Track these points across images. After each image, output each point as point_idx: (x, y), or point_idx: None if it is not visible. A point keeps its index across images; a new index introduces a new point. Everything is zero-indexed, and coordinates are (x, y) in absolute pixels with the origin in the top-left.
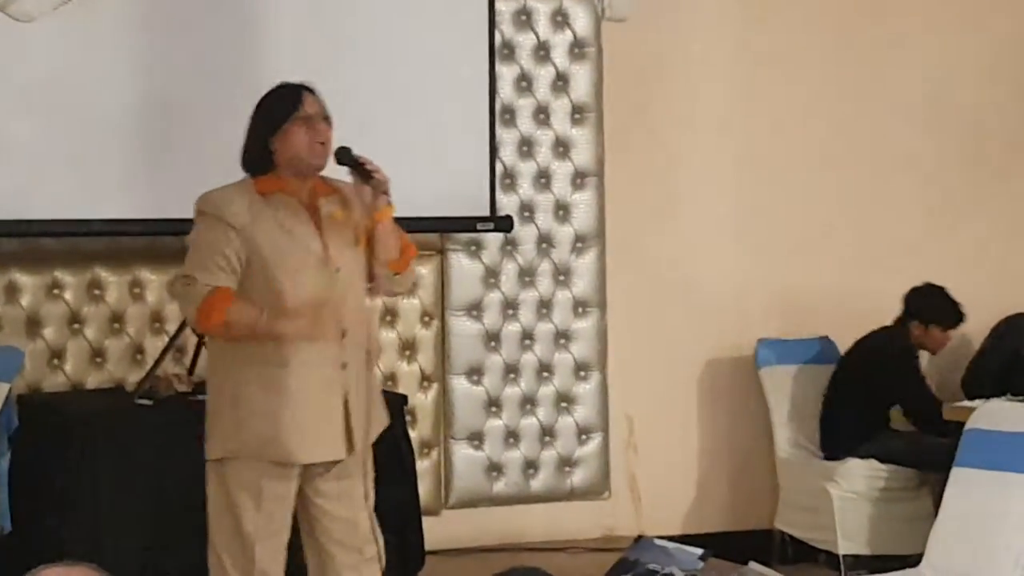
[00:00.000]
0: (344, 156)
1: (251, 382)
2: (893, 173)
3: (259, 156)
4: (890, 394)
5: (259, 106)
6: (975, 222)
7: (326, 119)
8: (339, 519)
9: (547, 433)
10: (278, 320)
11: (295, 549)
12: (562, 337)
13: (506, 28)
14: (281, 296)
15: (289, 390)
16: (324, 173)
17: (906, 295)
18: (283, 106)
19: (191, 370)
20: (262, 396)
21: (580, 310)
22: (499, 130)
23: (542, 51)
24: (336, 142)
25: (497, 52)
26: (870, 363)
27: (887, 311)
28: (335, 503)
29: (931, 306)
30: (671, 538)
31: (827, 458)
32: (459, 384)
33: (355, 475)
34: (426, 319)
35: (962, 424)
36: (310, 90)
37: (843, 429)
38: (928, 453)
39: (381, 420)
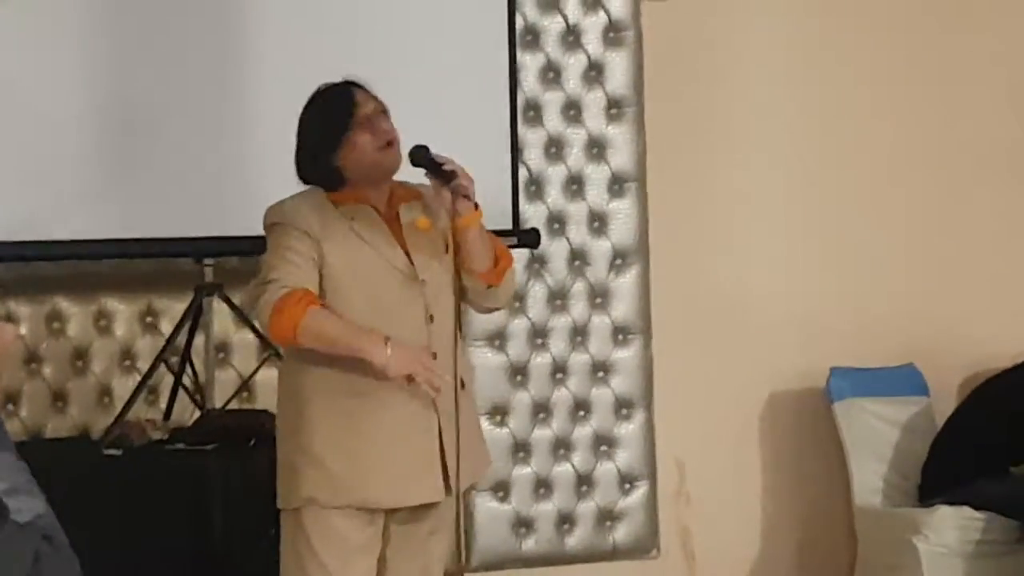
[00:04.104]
0: (419, 156)
1: (328, 414)
2: (982, 176)
3: (325, 176)
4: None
5: (307, 119)
6: None
7: (385, 112)
8: None
9: (584, 482)
10: (368, 335)
11: None
12: (600, 370)
13: (529, 11)
14: (360, 314)
15: (372, 423)
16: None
17: None
18: (337, 114)
19: (167, 414)
20: (342, 431)
21: (620, 338)
22: (522, 129)
23: (571, 36)
24: None
25: (519, 39)
26: (1012, 400)
27: (981, 334)
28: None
29: None
30: None
31: (922, 503)
32: (481, 425)
33: (441, 528)
34: None
35: None
36: (359, 86)
37: (951, 469)
38: None
39: (482, 459)
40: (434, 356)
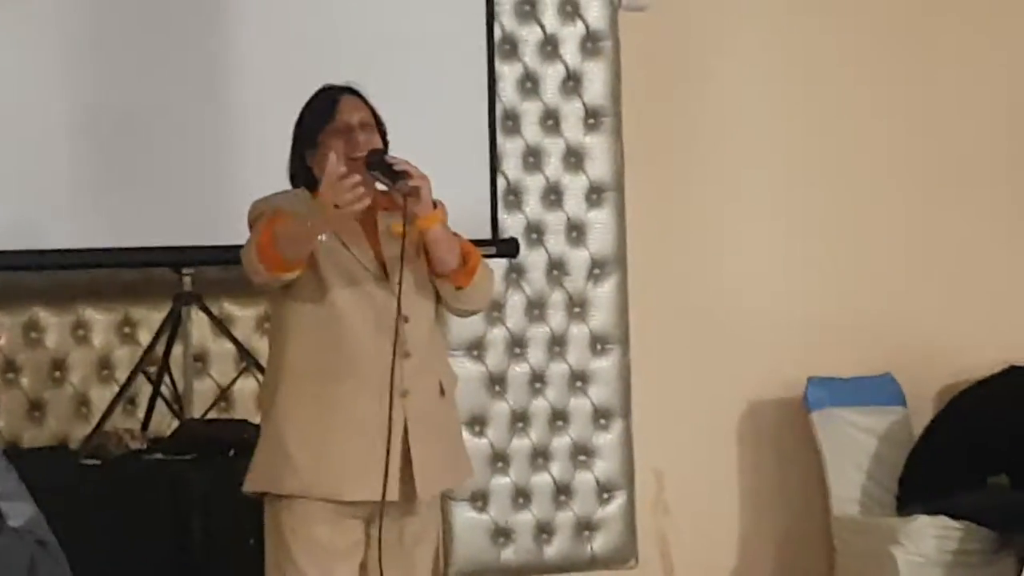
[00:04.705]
0: (374, 160)
1: (299, 402)
2: (961, 188)
3: (302, 175)
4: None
5: (299, 116)
6: None
7: (366, 126)
8: None
9: (562, 491)
10: (322, 214)
11: None
12: (578, 379)
13: (507, 21)
14: (338, 308)
15: (339, 413)
16: None
17: None
18: (317, 116)
19: (145, 424)
20: (308, 419)
21: (599, 347)
22: (500, 139)
23: (549, 46)
24: None
25: (497, 48)
26: (989, 410)
27: (959, 343)
28: (391, 568)
29: None
30: None
31: (900, 512)
32: (462, 435)
33: (425, 538)
34: None
35: None
36: (353, 92)
37: (929, 479)
38: (1008, 508)
39: (459, 469)
40: (408, 356)
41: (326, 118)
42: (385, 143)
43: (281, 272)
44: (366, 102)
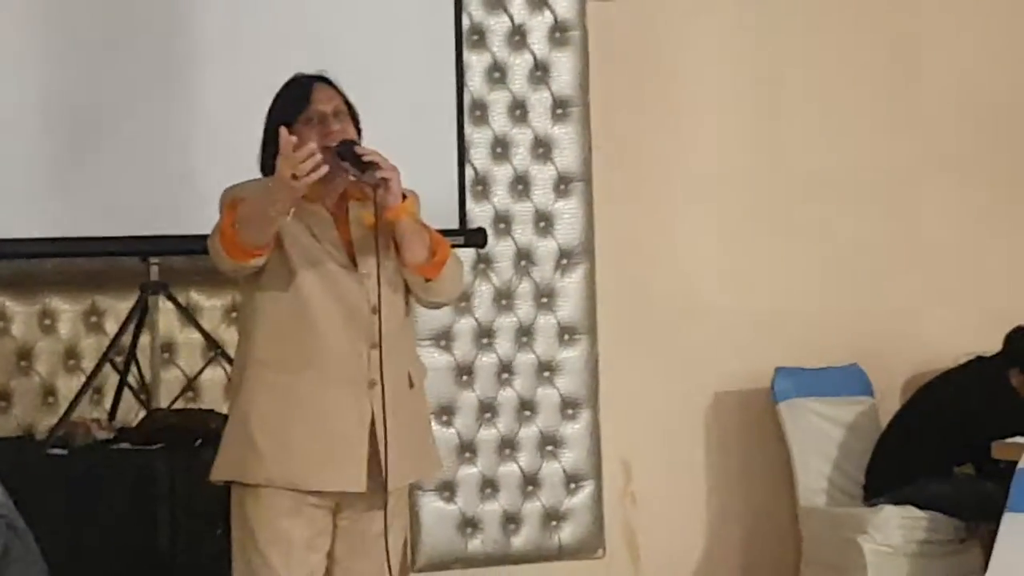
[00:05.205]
0: (344, 151)
1: (265, 391)
2: (926, 179)
3: (273, 164)
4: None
5: (272, 104)
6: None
7: (339, 115)
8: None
9: (530, 482)
10: (281, 190)
11: None
12: (546, 369)
13: (475, 11)
14: (305, 297)
15: (303, 403)
16: None
17: (1010, 336)
18: (289, 104)
19: (112, 414)
20: (274, 409)
21: (566, 337)
22: (469, 129)
23: (517, 36)
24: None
25: (465, 38)
26: (956, 400)
27: (925, 334)
28: (360, 559)
29: None
30: None
31: (867, 502)
32: (431, 428)
33: (392, 528)
34: None
35: (1014, 463)
36: (325, 81)
37: (895, 469)
38: (974, 498)
39: (427, 461)
40: (378, 347)
41: (300, 107)
42: (359, 132)
43: (245, 259)
44: (339, 91)
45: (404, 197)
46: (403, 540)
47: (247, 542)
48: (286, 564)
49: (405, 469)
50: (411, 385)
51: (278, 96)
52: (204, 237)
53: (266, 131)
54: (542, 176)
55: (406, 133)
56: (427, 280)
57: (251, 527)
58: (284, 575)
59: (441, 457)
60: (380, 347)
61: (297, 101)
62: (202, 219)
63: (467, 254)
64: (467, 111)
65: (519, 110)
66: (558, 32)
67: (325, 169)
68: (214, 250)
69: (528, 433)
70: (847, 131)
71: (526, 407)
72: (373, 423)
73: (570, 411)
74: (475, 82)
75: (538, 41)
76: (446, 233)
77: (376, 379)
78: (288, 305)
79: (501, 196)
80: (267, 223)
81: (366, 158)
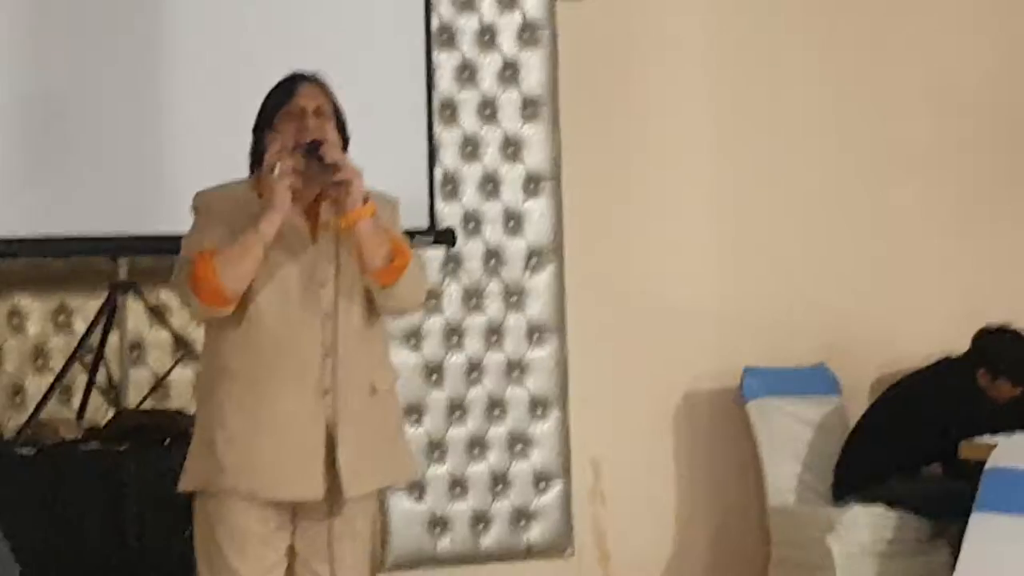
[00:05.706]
0: (308, 151)
1: (225, 401)
2: (895, 179)
3: (255, 158)
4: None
5: (264, 100)
6: (994, 232)
7: (321, 113)
8: None
9: (499, 481)
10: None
11: None
12: (515, 368)
13: (445, 10)
14: (264, 307)
15: (264, 412)
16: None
17: (977, 337)
18: (274, 99)
19: (80, 414)
20: (237, 419)
21: (535, 337)
22: (438, 128)
23: (487, 36)
24: (244, 145)
25: (434, 38)
26: (924, 400)
27: (892, 333)
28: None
29: (1008, 359)
30: None
31: (835, 501)
32: (402, 432)
33: (348, 534)
34: None
35: (982, 464)
36: (312, 79)
37: (864, 468)
38: (942, 497)
39: (395, 467)
40: (330, 354)
41: (283, 101)
42: (344, 136)
43: (221, 306)
44: (327, 92)
45: (365, 201)
46: (368, 544)
47: (210, 542)
48: (242, 559)
49: (366, 476)
50: (373, 392)
51: (272, 88)
52: (174, 237)
53: (255, 124)
54: (511, 176)
55: (375, 132)
56: (383, 286)
57: (212, 527)
58: (240, 569)
59: (415, 463)
60: (335, 354)
61: (282, 95)
62: (172, 218)
63: (436, 254)
64: (436, 111)
65: (488, 110)
66: (527, 32)
67: (291, 165)
68: (183, 295)
69: (497, 432)
70: (817, 131)
71: (495, 406)
72: (327, 430)
73: (539, 410)
74: (444, 81)
75: (507, 41)
76: (415, 233)
77: (330, 387)
78: (247, 313)
79: (470, 195)
80: (253, 259)
81: (327, 160)
